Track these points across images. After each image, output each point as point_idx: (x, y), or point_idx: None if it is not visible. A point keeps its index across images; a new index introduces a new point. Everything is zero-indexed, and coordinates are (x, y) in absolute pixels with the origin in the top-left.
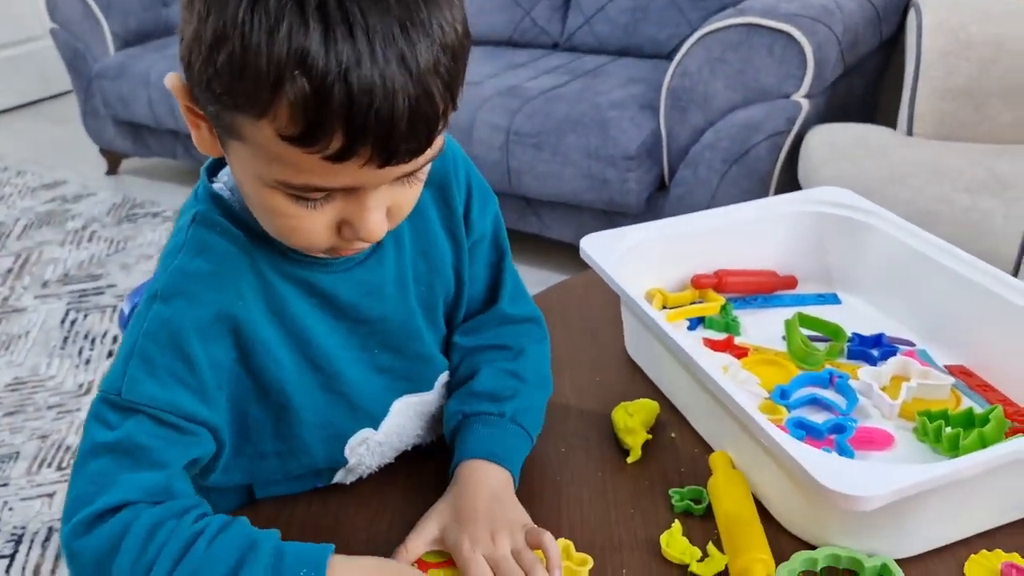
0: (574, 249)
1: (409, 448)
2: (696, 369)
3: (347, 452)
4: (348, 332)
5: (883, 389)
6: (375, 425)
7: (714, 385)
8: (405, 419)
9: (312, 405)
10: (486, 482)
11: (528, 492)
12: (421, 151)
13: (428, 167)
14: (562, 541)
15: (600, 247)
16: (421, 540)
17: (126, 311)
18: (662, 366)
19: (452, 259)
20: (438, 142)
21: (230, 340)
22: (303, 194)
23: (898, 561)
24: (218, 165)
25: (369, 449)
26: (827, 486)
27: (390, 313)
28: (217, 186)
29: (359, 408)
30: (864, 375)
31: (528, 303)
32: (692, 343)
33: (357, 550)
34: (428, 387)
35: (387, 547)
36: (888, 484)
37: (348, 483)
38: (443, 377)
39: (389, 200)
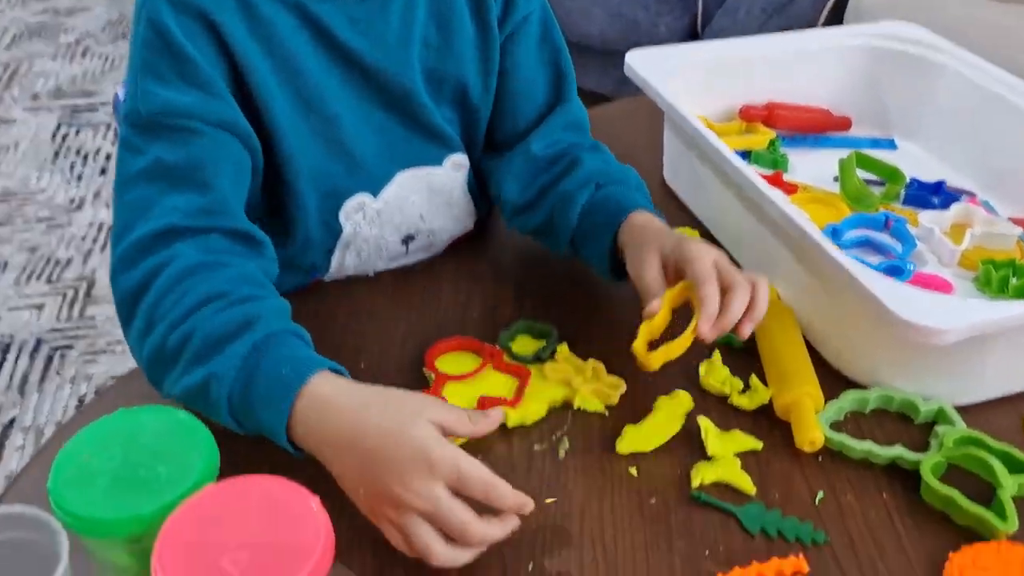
0: (594, 97)
1: (414, 234)
2: (750, 188)
3: (342, 217)
4: (344, 76)
5: (944, 235)
6: (374, 191)
7: (771, 204)
8: (408, 192)
9: (305, 150)
10: (648, 216)
11: (558, 312)
12: None
13: None
14: (592, 363)
15: (646, 63)
16: (652, 277)
17: (120, 96)
18: (706, 190)
19: (478, 41)
20: None
21: (217, 49)
22: None
23: (955, 408)
24: None
25: (366, 218)
26: (902, 316)
27: (390, 66)
28: None
29: (357, 165)
30: (925, 219)
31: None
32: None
33: (373, 360)
34: (435, 162)
35: (404, 359)
36: (967, 317)
37: (350, 273)
38: (455, 158)
39: None
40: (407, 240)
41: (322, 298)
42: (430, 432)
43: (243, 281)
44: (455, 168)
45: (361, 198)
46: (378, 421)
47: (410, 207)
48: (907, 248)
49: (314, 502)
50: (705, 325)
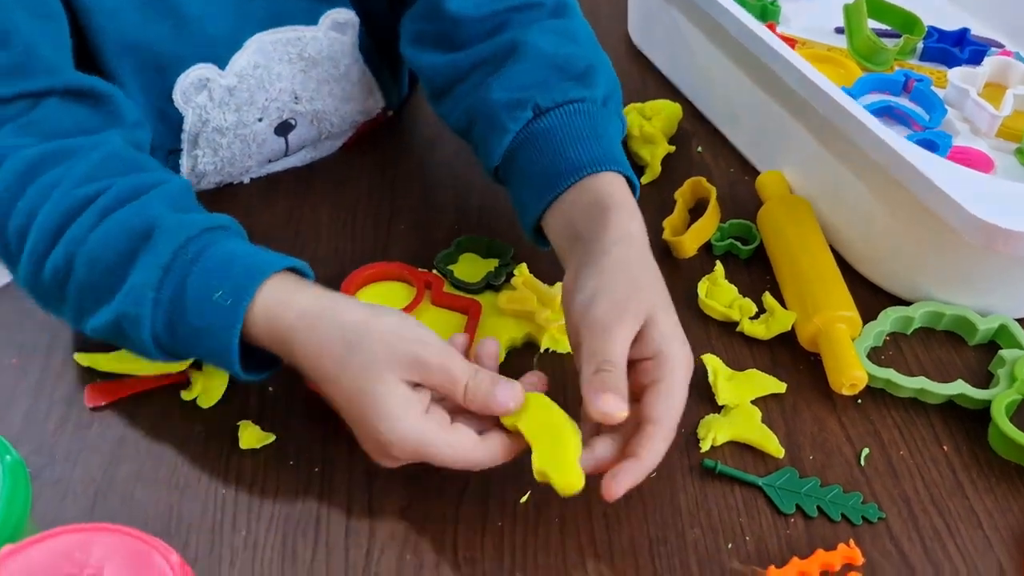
0: None
1: (291, 120)
2: (750, 40)
3: (178, 99)
4: None
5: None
6: (219, 62)
7: (780, 62)
8: (270, 61)
9: (111, 7)
10: (634, 221)
11: (512, 222)
12: None
13: None
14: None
15: None
16: (618, 355)
17: None
18: (687, 51)
19: None
20: None
21: None
22: None
23: (1019, 322)
24: None
25: (214, 99)
26: (983, 218)
27: None
28: None
29: (186, 24)
30: (956, 77)
31: None
32: None
33: None
34: (306, 19)
35: None
36: None
37: (214, 181)
38: (336, 14)
39: None
40: (283, 129)
41: None
42: (391, 402)
43: (110, 167)
44: (337, 28)
45: (202, 71)
46: (340, 374)
47: (276, 82)
48: (936, 116)
49: (171, 561)
50: (622, 481)
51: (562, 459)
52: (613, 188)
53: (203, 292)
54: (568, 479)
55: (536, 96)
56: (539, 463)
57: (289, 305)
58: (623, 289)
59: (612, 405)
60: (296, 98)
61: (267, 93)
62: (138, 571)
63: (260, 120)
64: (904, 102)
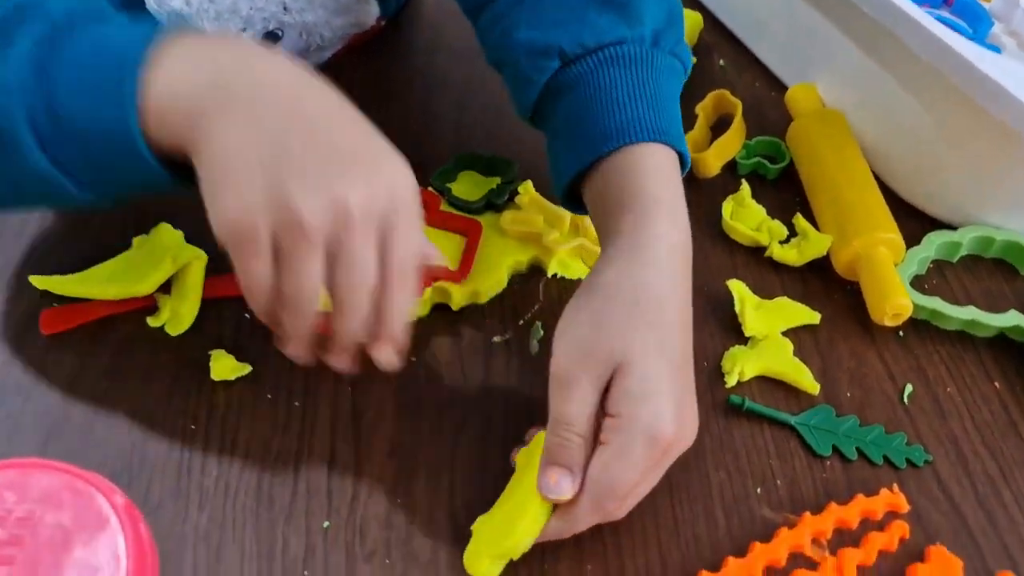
0: None
1: (278, 31)
2: None
3: (151, 3)
4: None
5: None
6: None
7: None
8: None
9: None
10: (662, 222)
11: (516, 135)
12: None
13: None
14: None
15: None
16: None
17: None
18: None
19: None
20: None
21: None
22: None
23: None
24: None
25: (191, 5)
26: None
27: None
28: None
29: None
30: None
31: None
32: None
33: None
34: None
35: None
36: None
37: None
38: None
39: None
40: (270, 39)
41: None
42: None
43: None
44: None
45: None
46: (319, 94)
47: None
48: (982, 29)
49: (115, 502)
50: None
51: (481, 545)
52: (647, 170)
53: (92, 41)
54: (472, 566)
55: (562, 39)
56: (477, 522)
57: (214, 42)
58: (594, 328)
59: (554, 487)
60: (285, 8)
61: (252, 2)
62: (76, 514)
63: (243, 30)
64: (945, 14)
